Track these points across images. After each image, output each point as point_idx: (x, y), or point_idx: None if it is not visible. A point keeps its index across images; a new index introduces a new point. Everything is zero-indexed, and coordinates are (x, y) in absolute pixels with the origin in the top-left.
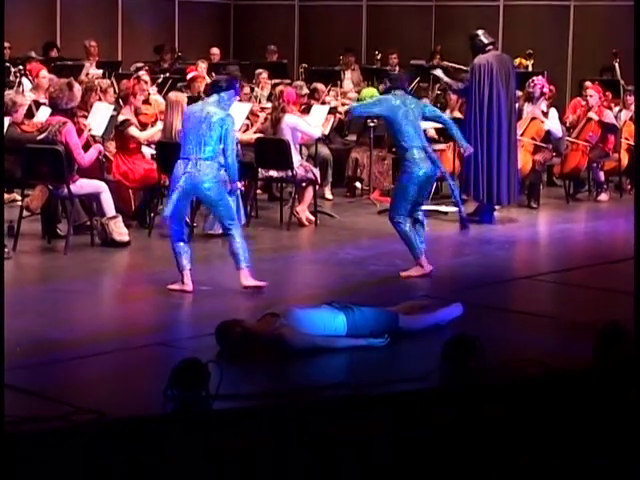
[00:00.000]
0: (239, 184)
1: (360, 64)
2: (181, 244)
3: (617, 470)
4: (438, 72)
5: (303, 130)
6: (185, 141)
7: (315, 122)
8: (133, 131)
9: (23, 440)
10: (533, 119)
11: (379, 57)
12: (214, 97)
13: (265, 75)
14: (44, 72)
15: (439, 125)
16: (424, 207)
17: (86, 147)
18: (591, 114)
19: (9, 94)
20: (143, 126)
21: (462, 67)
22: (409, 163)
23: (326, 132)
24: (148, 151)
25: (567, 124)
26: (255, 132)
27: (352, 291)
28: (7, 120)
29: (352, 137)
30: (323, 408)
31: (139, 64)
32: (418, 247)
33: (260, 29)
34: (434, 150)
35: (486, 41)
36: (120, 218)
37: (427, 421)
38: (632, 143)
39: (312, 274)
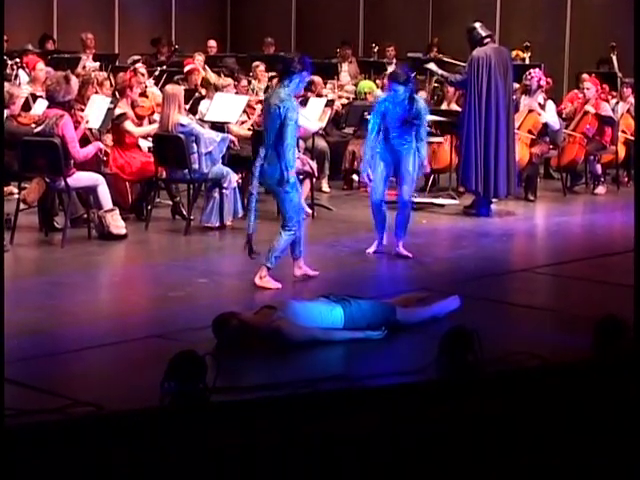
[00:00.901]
0: (290, 174)
1: (357, 57)
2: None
3: (617, 466)
4: (431, 66)
5: (300, 124)
6: (264, 130)
7: (312, 115)
8: (129, 126)
9: (20, 433)
10: (530, 112)
11: (376, 50)
12: (284, 83)
13: (262, 67)
14: (41, 65)
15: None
16: (421, 199)
17: (83, 140)
18: (588, 107)
19: (5, 86)
20: (140, 119)
21: (457, 62)
22: None
23: (323, 125)
24: (145, 144)
25: (563, 115)
26: (252, 125)
27: (349, 283)
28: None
29: (349, 130)
30: (320, 400)
31: (136, 57)
32: None
33: (257, 21)
34: (430, 143)
35: (484, 34)
36: (117, 211)
37: (424, 414)
38: (629, 136)
39: (309, 266)
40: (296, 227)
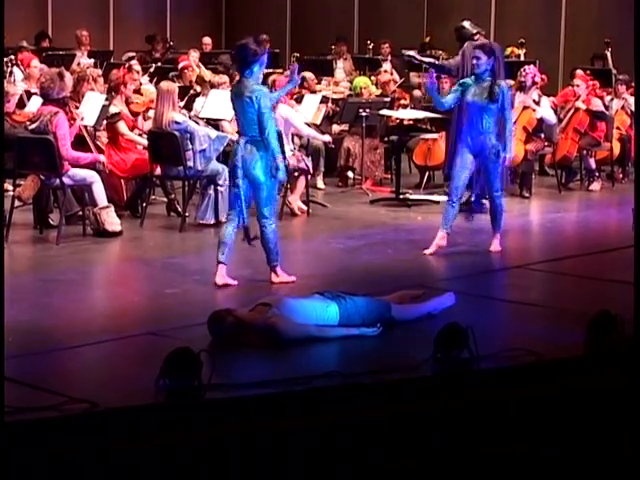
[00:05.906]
0: (278, 161)
1: (352, 53)
2: (227, 232)
3: (611, 460)
4: (411, 52)
5: (294, 124)
6: (237, 122)
7: (307, 111)
8: (122, 127)
9: (16, 430)
10: (525, 108)
11: (371, 46)
12: (245, 74)
13: None
14: (35, 62)
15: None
16: (415, 196)
17: (78, 138)
18: (578, 103)
19: None
20: (134, 116)
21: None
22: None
23: (318, 122)
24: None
25: (557, 110)
26: None
27: (344, 280)
28: None
29: (344, 126)
30: (315, 397)
31: (131, 53)
32: None
33: (252, 18)
34: (425, 140)
35: (473, 30)
36: (112, 208)
37: (419, 410)
38: (624, 132)
39: (304, 264)
40: (274, 216)
